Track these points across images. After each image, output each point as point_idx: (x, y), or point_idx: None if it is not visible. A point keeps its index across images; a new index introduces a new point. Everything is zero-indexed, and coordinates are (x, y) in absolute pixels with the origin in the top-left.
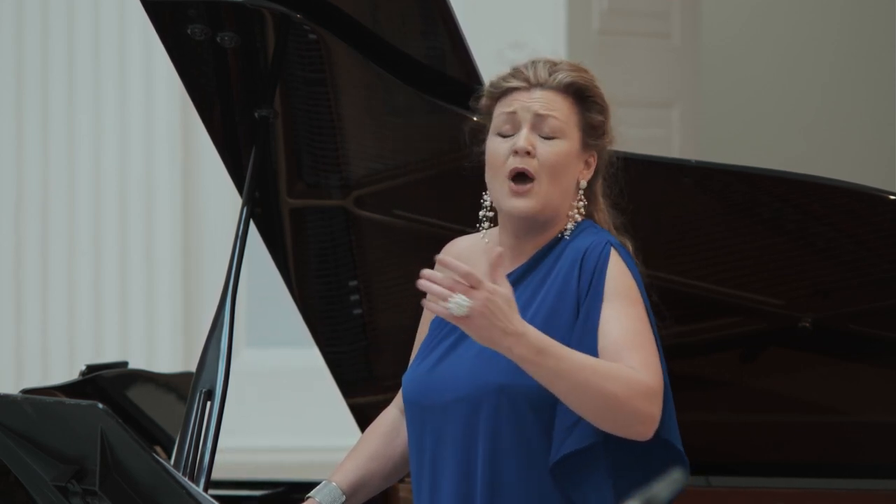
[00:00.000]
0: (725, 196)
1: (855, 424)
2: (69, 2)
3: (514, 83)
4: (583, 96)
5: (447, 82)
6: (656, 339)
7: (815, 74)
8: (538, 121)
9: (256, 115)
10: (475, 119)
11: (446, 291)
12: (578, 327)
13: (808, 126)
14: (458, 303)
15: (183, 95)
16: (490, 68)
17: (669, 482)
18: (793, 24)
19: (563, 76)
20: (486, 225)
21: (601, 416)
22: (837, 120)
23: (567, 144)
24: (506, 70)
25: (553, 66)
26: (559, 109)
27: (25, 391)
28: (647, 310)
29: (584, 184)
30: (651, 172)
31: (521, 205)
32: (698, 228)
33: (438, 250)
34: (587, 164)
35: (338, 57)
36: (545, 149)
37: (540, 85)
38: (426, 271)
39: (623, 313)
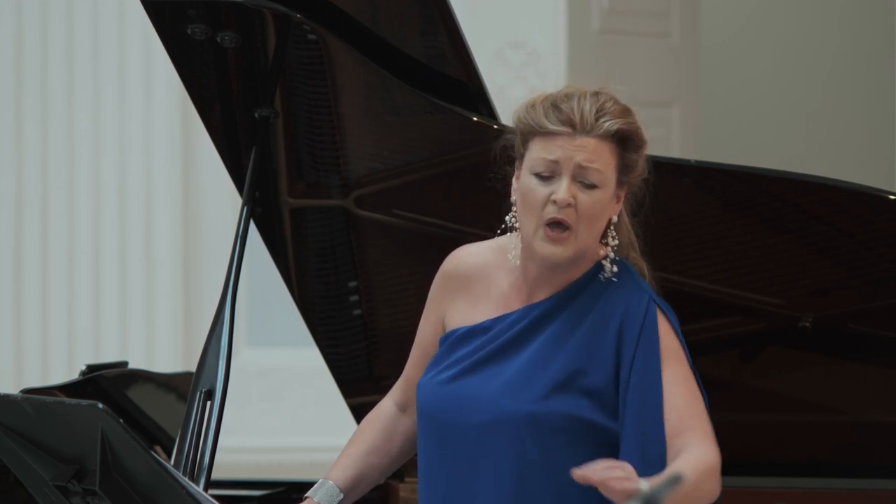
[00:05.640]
0: (725, 196)
1: (855, 424)
2: (69, 2)
3: (559, 128)
4: (625, 140)
5: (447, 82)
6: (698, 382)
7: (815, 74)
8: (580, 171)
9: (256, 115)
10: (500, 130)
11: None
12: (636, 385)
13: (808, 126)
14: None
15: (183, 95)
16: (490, 68)
17: (669, 482)
18: (793, 24)
19: (610, 123)
20: (507, 235)
21: None
22: (837, 120)
23: (605, 192)
24: (547, 100)
25: (600, 110)
26: (602, 159)
27: (25, 391)
28: (690, 361)
29: (615, 219)
30: (650, 172)
31: (555, 253)
32: (698, 228)
33: (439, 250)
34: (617, 198)
35: (338, 57)
36: (585, 199)
37: (586, 132)
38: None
39: (680, 377)
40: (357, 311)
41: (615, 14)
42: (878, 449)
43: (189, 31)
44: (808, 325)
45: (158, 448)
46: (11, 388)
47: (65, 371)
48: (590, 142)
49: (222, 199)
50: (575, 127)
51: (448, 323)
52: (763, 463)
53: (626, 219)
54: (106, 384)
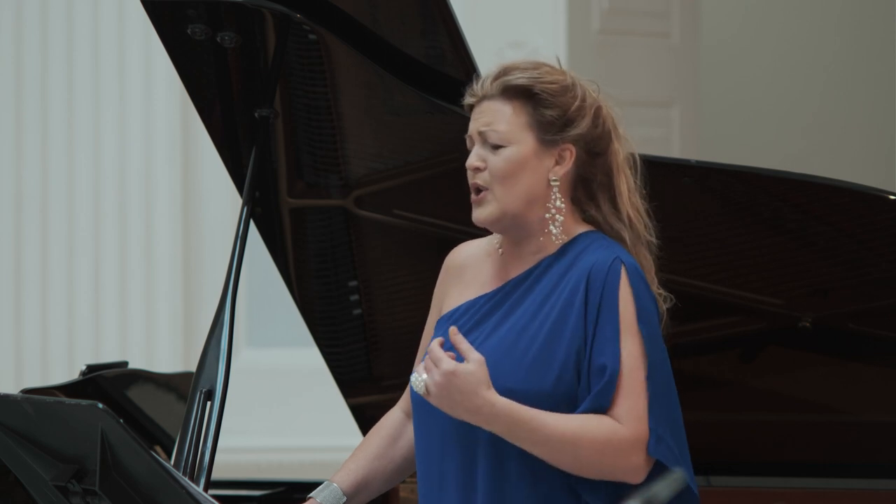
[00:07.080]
0: (725, 196)
1: (855, 424)
2: (69, 2)
3: (469, 100)
4: (529, 94)
5: (447, 82)
6: (661, 366)
7: (815, 74)
8: (483, 136)
9: (256, 115)
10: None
11: (420, 367)
12: (590, 348)
13: (808, 126)
14: (414, 379)
15: (183, 95)
16: (490, 68)
17: (669, 482)
18: (792, 24)
19: (503, 80)
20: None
21: (583, 473)
22: (837, 120)
23: (516, 149)
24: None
25: (502, 72)
26: (500, 119)
27: (25, 391)
28: (649, 336)
29: (555, 180)
30: (651, 172)
31: (477, 214)
32: (698, 228)
33: (439, 250)
34: (560, 157)
35: (338, 57)
36: (493, 159)
37: (485, 96)
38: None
39: (624, 351)
40: (357, 311)
41: (615, 14)
42: (877, 449)
43: (189, 31)
44: (808, 325)
45: (158, 448)
46: (11, 388)
47: (65, 371)
48: (488, 105)
49: (222, 199)
50: (476, 95)
51: (443, 312)
52: (763, 463)
53: (622, 196)
54: (106, 384)
